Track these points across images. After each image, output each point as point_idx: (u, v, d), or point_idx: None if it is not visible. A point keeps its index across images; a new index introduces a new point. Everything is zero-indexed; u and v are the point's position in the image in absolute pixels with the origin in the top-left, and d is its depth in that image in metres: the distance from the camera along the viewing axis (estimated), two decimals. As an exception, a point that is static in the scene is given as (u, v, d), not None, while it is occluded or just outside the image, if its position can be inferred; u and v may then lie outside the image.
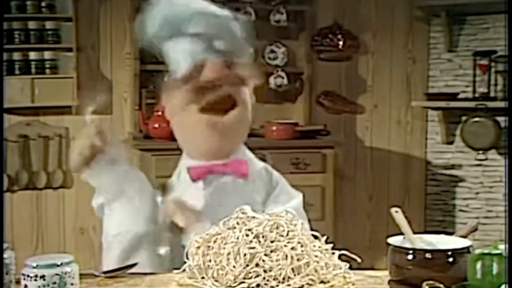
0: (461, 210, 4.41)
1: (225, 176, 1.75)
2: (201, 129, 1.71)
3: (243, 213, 1.38)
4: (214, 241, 1.34)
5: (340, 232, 4.10)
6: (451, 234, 1.57)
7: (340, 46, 4.29)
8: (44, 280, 1.17)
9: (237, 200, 1.69)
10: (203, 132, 1.71)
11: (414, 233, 1.43)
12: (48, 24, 3.91)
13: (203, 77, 1.68)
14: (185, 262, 1.38)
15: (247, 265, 1.26)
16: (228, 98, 1.71)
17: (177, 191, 1.74)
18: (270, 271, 1.27)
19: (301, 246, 1.30)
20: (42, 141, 4.00)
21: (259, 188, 1.79)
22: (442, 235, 1.46)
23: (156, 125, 3.77)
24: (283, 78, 4.19)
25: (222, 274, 1.29)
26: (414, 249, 1.34)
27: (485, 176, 4.32)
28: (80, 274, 1.24)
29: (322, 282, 1.30)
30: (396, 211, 1.47)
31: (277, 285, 1.26)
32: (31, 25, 3.88)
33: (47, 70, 3.91)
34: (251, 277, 1.26)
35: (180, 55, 1.70)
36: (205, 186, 1.74)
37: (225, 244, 1.31)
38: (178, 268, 1.41)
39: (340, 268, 1.34)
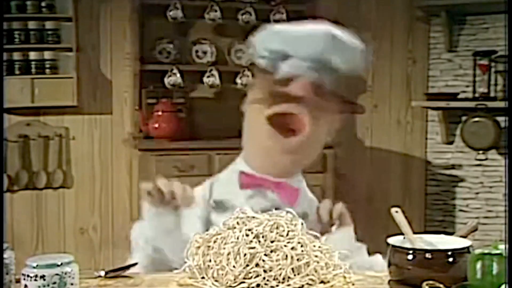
0: (461, 210, 4.40)
1: (272, 194, 1.70)
2: (261, 137, 1.67)
3: (243, 213, 1.38)
4: (214, 241, 1.34)
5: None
6: (451, 234, 1.57)
7: (340, 46, 4.28)
8: (44, 280, 1.17)
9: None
10: (262, 141, 1.67)
11: (414, 233, 1.43)
12: (48, 24, 3.91)
13: (287, 88, 1.64)
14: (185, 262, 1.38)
15: (247, 265, 1.26)
16: (296, 119, 1.65)
17: (223, 191, 1.72)
18: (270, 271, 1.26)
19: (301, 246, 1.30)
20: (42, 141, 3.99)
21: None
22: (442, 235, 1.45)
23: (156, 125, 3.77)
24: (283, 78, 4.17)
25: (222, 274, 1.29)
26: (414, 249, 1.34)
27: (485, 176, 4.32)
28: (80, 274, 1.24)
29: (322, 282, 1.30)
30: (396, 211, 1.47)
31: (277, 285, 1.26)
32: (31, 25, 3.88)
33: (47, 70, 3.91)
34: (251, 277, 1.26)
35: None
36: (252, 195, 1.70)
37: (225, 244, 1.31)
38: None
39: (340, 268, 1.35)
